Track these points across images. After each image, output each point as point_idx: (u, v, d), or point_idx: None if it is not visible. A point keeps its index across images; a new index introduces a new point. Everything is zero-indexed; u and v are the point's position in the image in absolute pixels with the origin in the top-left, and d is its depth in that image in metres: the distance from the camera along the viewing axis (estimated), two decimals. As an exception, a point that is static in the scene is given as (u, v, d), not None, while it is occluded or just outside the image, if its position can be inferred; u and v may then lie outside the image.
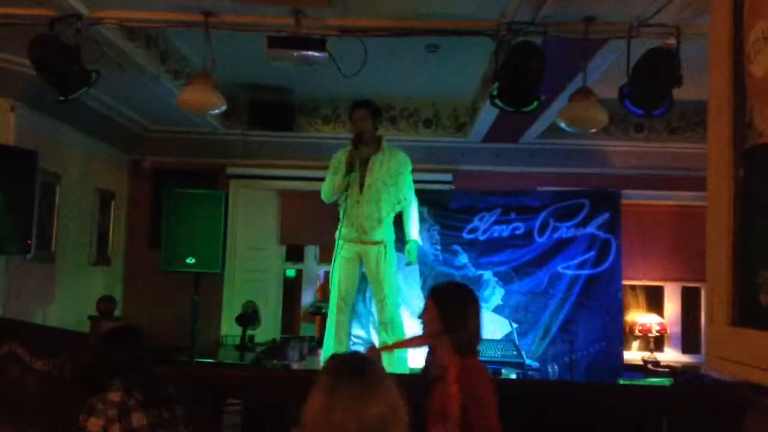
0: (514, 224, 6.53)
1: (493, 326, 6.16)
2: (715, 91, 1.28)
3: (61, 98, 4.19)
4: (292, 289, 7.79)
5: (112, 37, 4.37)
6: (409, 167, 4.90)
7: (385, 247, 4.77)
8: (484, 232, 6.53)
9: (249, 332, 6.57)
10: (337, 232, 4.84)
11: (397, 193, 4.83)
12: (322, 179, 4.97)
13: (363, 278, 5.03)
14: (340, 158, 4.83)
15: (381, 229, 4.76)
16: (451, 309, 2.78)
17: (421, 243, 5.13)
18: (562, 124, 4.52)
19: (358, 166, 4.71)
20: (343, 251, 4.79)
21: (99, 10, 4.17)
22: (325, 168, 5.01)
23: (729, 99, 1.22)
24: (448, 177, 7.10)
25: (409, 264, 5.01)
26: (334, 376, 1.66)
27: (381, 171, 4.74)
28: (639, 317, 7.03)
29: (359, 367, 1.70)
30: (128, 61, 4.78)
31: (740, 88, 1.19)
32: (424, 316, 2.85)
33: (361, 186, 4.72)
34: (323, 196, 4.91)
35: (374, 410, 1.58)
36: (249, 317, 6.52)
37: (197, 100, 4.56)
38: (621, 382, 5.57)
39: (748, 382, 1.25)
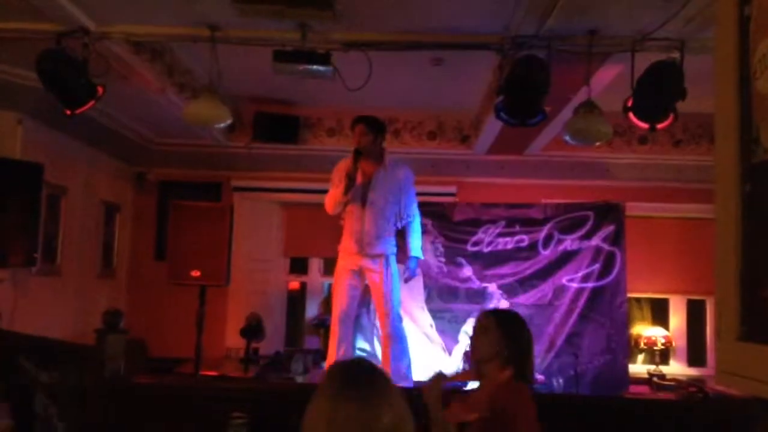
0: (519, 236, 6.53)
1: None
2: (721, 107, 1.28)
3: (68, 112, 4.22)
4: (296, 301, 7.78)
5: (119, 51, 4.40)
6: (413, 182, 4.89)
7: (386, 259, 4.74)
8: (489, 244, 6.53)
9: (253, 345, 6.57)
10: (340, 245, 4.85)
11: (399, 208, 4.81)
12: (326, 192, 4.95)
13: (367, 291, 5.02)
14: (340, 168, 4.80)
15: (382, 243, 4.74)
16: (517, 334, 2.62)
17: (422, 257, 5.07)
18: (567, 137, 4.53)
19: (361, 180, 4.72)
20: (345, 264, 4.79)
21: (106, 24, 4.21)
22: (329, 180, 5.02)
23: (735, 115, 1.22)
24: (452, 189, 7.10)
25: (407, 280, 4.96)
26: (339, 381, 1.55)
27: (384, 186, 4.73)
28: (644, 330, 7.00)
29: (368, 374, 1.60)
30: (134, 75, 4.81)
31: (746, 104, 1.20)
32: (481, 339, 2.62)
33: (364, 201, 4.71)
34: (327, 209, 4.89)
35: (385, 420, 1.49)
36: (253, 330, 6.51)
37: (203, 113, 4.59)
38: (626, 395, 5.55)
39: (756, 397, 1.25)
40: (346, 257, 4.79)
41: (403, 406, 1.53)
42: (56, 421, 3.22)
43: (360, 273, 4.80)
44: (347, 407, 1.47)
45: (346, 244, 4.79)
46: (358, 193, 4.72)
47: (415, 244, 4.89)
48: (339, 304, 4.81)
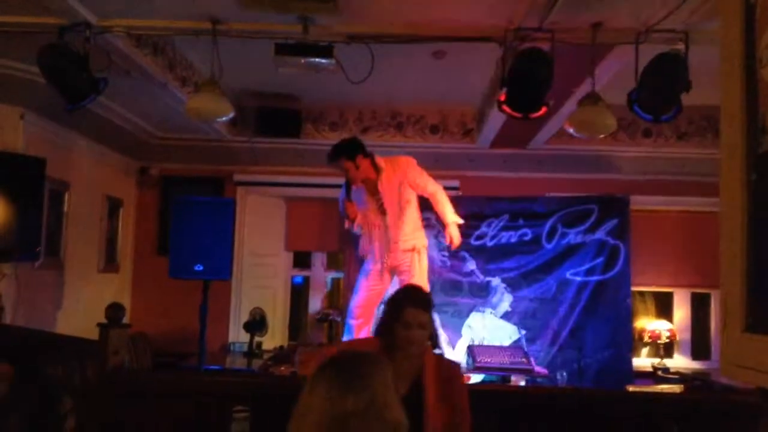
0: (522, 230, 6.53)
1: (502, 333, 6.15)
2: (727, 96, 1.27)
3: (70, 106, 4.21)
4: (299, 295, 7.78)
5: (121, 45, 4.38)
6: (413, 163, 4.85)
7: (418, 253, 4.75)
8: (492, 238, 6.53)
9: (256, 339, 6.58)
10: (367, 249, 4.84)
11: (414, 190, 4.81)
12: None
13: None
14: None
15: (412, 237, 4.76)
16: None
17: (460, 221, 4.98)
18: (571, 130, 4.51)
19: (369, 195, 4.75)
20: (372, 265, 4.79)
21: (107, 18, 4.19)
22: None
23: (741, 104, 1.21)
24: (456, 183, 7.08)
25: (455, 248, 5.03)
26: (319, 369, 1.61)
27: (392, 186, 4.72)
28: (648, 323, 6.99)
29: (345, 361, 1.64)
30: (136, 69, 4.79)
31: (752, 93, 1.18)
32: (422, 333, 2.77)
33: (383, 211, 4.72)
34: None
35: (349, 404, 1.51)
36: (256, 324, 6.53)
37: (205, 107, 4.57)
38: (630, 389, 5.54)
39: (760, 389, 1.24)
40: (374, 260, 4.79)
41: (379, 393, 1.54)
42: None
43: (389, 272, 4.80)
44: (319, 393, 1.51)
45: (375, 250, 4.78)
46: (374, 205, 4.73)
47: (448, 212, 4.89)
48: (357, 300, 4.81)
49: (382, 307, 3.04)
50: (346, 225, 4.88)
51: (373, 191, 4.74)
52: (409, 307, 2.77)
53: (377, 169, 4.74)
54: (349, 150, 4.71)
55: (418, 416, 2.62)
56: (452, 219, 4.89)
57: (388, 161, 4.81)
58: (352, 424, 1.50)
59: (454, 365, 2.98)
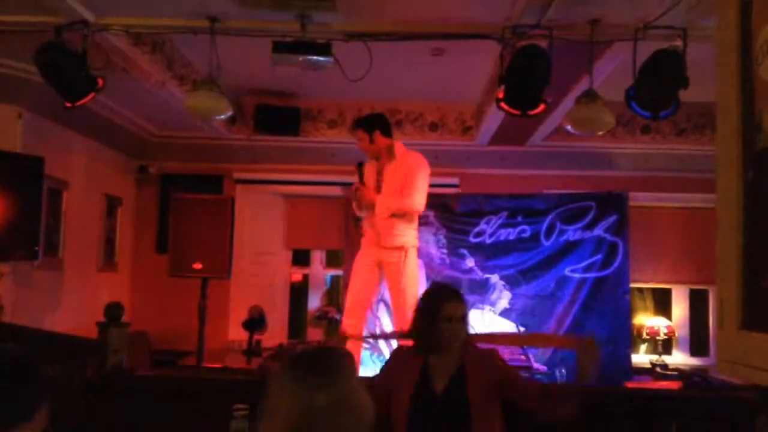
0: (521, 227, 6.52)
1: (501, 330, 6.14)
2: (723, 94, 1.27)
3: (68, 105, 4.21)
4: (298, 293, 7.78)
5: (119, 44, 4.38)
6: (422, 166, 4.63)
7: (405, 253, 4.62)
8: (491, 235, 6.52)
9: (256, 337, 6.56)
10: (362, 238, 4.79)
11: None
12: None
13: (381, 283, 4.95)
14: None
15: (400, 236, 4.57)
16: None
17: (361, 216, 4.76)
18: (569, 127, 4.51)
19: (375, 177, 4.69)
20: (364, 255, 4.73)
21: (105, 16, 4.19)
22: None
23: (737, 102, 1.21)
24: (455, 181, 7.08)
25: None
26: (286, 366, 1.59)
27: (396, 176, 4.64)
28: (647, 320, 7.00)
29: (312, 356, 1.62)
30: (134, 67, 4.80)
31: (748, 91, 1.18)
32: (463, 326, 2.91)
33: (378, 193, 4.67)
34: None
35: (321, 399, 1.49)
36: (256, 322, 6.51)
37: (203, 105, 4.58)
38: (629, 385, 5.55)
39: (757, 386, 1.24)
40: (366, 248, 4.73)
41: (351, 389, 1.52)
42: None
43: (377, 266, 4.71)
44: (288, 389, 1.50)
45: (367, 237, 4.73)
46: (374, 186, 4.67)
47: (386, 208, 4.56)
48: (351, 294, 4.77)
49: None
50: (356, 212, 4.79)
51: (380, 172, 4.70)
52: (447, 303, 2.84)
53: (391, 154, 4.66)
54: (370, 124, 4.67)
55: (463, 408, 2.72)
56: (376, 208, 4.55)
57: (408, 153, 4.68)
58: (321, 420, 1.48)
59: (490, 351, 3.06)
